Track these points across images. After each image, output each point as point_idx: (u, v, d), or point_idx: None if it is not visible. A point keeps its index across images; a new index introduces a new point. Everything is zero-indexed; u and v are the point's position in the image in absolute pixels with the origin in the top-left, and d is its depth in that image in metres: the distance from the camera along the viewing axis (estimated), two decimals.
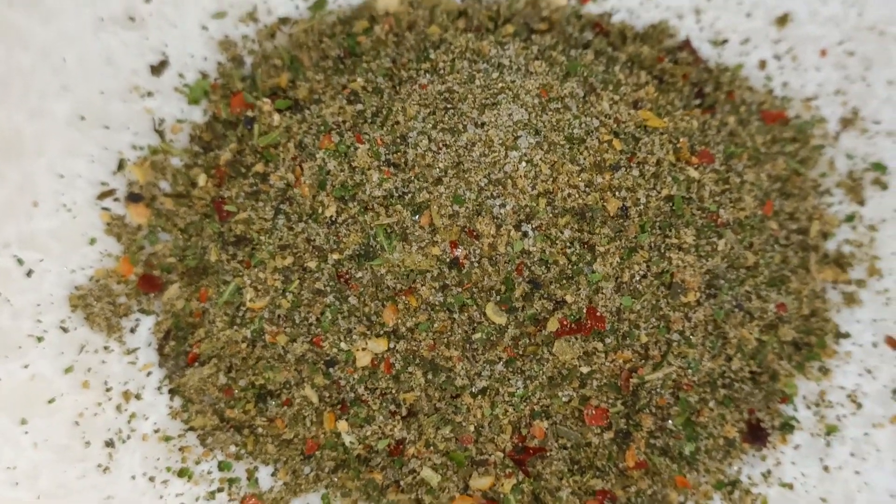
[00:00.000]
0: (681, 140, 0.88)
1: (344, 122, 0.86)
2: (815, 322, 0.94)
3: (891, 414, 0.91)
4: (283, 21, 1.00)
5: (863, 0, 1.03)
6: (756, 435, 0.89)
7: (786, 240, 0.95)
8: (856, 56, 1.02)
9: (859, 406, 0.91)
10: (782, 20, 1.03)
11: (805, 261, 0.95)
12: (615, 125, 0.86)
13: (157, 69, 0.97)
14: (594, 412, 0.86)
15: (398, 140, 0.83)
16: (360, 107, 0.87)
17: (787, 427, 0.91)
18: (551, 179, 0.81)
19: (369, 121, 0.86)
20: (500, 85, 0.86)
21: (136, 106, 0.95)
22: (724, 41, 1.03)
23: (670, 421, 0.87)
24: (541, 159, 0.81)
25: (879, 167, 0.99)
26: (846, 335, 0.94)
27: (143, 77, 0.96)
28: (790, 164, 0.98)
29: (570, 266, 0.82)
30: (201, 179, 0.92)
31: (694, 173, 0.87)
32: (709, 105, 0.98)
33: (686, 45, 1.02)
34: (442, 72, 0.88)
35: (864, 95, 1.01)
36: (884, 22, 1.02)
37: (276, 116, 0.90)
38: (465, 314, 0.83)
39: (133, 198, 0.92)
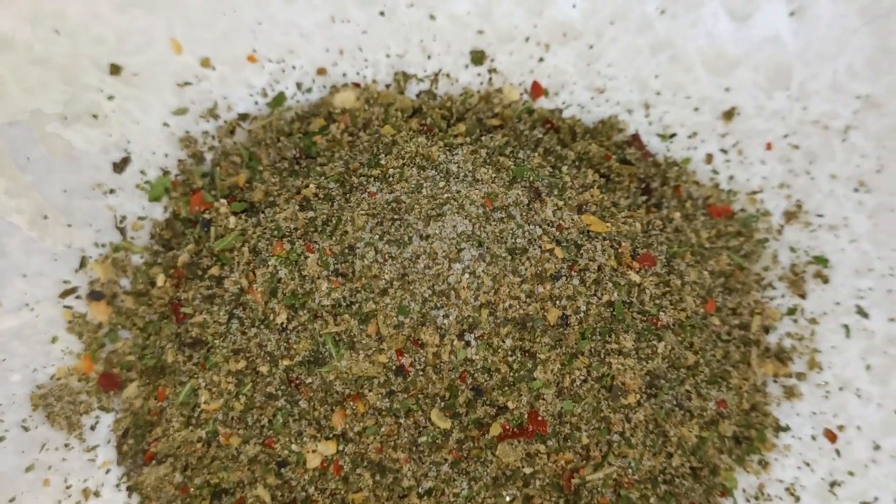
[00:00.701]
0: (622, 245, 0.90)
1: (296, 228, 0.89)
2: (755, 416, 0.97)
3: None
4: (243, 117, 1.03)
5: (807, 95, 1.06)
6: None
7: (728, 335, 0.98)
8: (800, 150, 1.05)
9: (797, 499, 0.94)
10: (729, 114, 1.06)
11: (746, 355, 0.98)
12: (558, 233, 0.89)
13: (120, 166, 1.00)
14: None
15: (346, 250, 0.86)
16: (311, 214, 0.90)
17: None
18: (493, 291, 0.84)
19: (319, 229, 0.89)
20: (447, 195, 0.89)
21: (98, 203, 0.98)
22: (673, 135, 1.07)
23: None
24: (483, 271, 0.84)
25: (821, 260, 1.02)
26: (786, 428, 0.97)
27: (105, 174, 0.99)
28: (734, 258, 1.01)
29: (511, 373, 0.85)
30: (160, 279, 0.95)
31: (635, 277, 0.90)
32: (655, 202, 1.01)
33: (635, 139, 1.05)
34: (391, 179, 0.91)
35: (807, 189, 1.05)
36: (828, 116, 1.05)
37: (232, 219, 0.93)
38: (411, 419, 0.86)
39: (94, 295, 0.95)
